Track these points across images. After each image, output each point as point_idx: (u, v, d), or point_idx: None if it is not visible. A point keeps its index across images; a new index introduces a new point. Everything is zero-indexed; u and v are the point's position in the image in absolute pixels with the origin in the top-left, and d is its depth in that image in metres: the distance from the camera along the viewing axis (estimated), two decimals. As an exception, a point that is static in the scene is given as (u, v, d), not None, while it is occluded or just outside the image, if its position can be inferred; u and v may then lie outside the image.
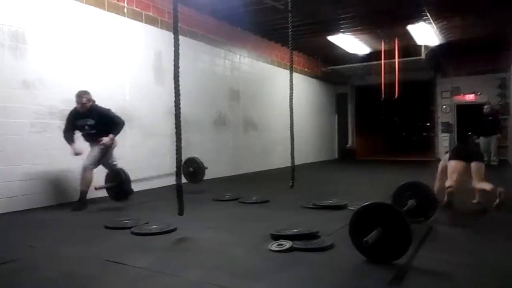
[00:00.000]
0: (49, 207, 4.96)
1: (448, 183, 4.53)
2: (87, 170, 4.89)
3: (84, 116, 4.96)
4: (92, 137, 5.03)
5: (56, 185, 5.18)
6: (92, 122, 4.96)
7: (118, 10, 6.10)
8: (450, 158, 4.75)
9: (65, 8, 5.36)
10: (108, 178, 5.12)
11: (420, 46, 10.43)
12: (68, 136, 4.97)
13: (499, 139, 10.56)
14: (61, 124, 5.24)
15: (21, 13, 4.87)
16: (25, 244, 3.36)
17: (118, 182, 4.99)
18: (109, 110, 5.09)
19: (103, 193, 5.21)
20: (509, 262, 2.78)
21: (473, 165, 4.60)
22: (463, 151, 4.77)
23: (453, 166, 4.64)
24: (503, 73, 11.67)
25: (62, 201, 5.16)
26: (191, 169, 6.06)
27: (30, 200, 4.85)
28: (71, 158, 5.31)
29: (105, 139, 4.90)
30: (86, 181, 4.90)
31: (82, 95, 4.93)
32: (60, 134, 5.16)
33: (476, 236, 3.54)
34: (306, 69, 12.15)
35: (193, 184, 6.10)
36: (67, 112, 5.36)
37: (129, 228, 3.71)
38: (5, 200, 4.61)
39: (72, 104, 5.37)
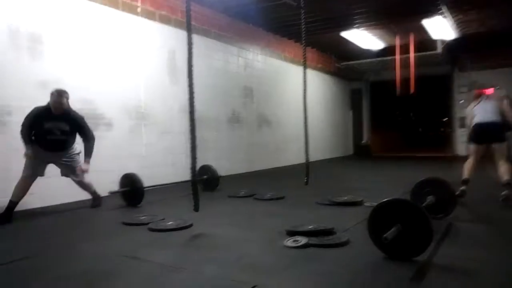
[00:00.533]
0: (68, 204, 5.05)
1: (464, 174, 4.52)
2: (84, 180, 4.74)
3: (57, 119, 4.30)
4: (58, 145, 4.40)
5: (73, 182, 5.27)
6: (67, 127, 4.37)
7: (131, 9, 6.16)
8: (468, 140, 4.73)
9: (80, 8, 5.44)
10: (122, 182, 5.04)
11: (436, 40, 10.24)
12: (27, 134, 4.22)
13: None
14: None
15: (37, 15, 4.96)
16: (45, 240, 3.45)
17: (132, 187, 4.92)
18: (83, 118, 4.56)
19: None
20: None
21: (494, 146, 4.55)
22: (481, 132, 4.67)
23: (471, 150, 4.66)
24: (523, 66, 11.38)
25: (80, 198, 5.25)
26: (205, 177, 5.93)
27: (48, 197, 4.94)
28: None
29: (86, 167, 4.50)
30: (89, 186, 4.84)
31: (62, 94, 4.28)
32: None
33: (499, 232, 3.47)
34: (319, 65, 12.07)
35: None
36: (85, 112, 5.42)
37: (146, 224, 3.77)
38: (25, 197, 4.71)
39: (89, 104, 5.48)
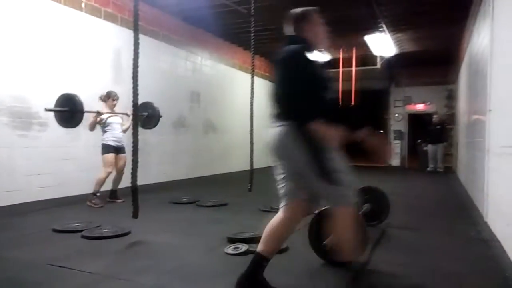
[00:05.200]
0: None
1: None
2: None
3: None
4: None
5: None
6: None
7: (74, 4, 5.86)
8: None
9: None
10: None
11: (376, 56, 10.86)
12: None
13: (446, 147, 11.26)
14: (8, 121, 4.96)
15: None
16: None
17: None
18: None
19: (52, 195, 4.95)
20: (449, 262, 2.96)
21: None
22: None
23: None
24: (451, 85, 12.43)
25: (6, 203, 4.87)
26: (146, 113, 5.56)
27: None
28: (17, 157, 5.07)
29: None
30: None
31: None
32: (8, 132, 4.90)
33: (423, 237, 3.76)
34: (267, 74, 12.26)
35: (147, 130, 5.65)
36: (16, 110, 5.08)
37: (80, 231, 3.57)
38: None
39: (21, 102, 5.12)
